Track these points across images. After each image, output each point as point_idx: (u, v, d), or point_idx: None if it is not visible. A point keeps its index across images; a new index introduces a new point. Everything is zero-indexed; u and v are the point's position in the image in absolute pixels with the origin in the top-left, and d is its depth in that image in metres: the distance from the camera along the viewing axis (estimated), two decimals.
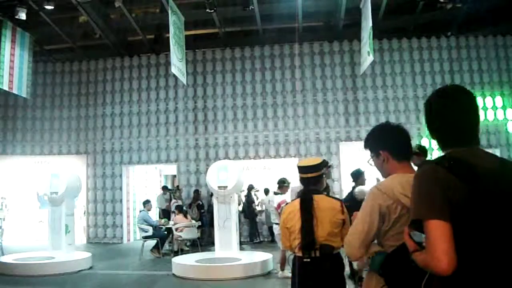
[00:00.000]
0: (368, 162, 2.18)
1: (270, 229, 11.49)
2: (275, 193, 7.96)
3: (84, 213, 12.35)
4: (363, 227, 1.93)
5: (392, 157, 2.05)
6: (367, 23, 8.38)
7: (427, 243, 1.34)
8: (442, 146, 1.55)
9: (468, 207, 1.32)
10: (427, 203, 1.37)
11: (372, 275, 1.99)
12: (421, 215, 1.38)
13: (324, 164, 3.24)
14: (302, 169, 3.17)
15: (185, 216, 9.88)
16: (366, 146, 2.18)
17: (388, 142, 2.08)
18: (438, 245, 1.30)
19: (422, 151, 4.33)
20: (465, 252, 1.31)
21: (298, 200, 3.13)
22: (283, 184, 7.61)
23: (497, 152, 11.49)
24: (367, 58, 8.62)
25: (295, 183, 7.76)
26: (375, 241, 2.01)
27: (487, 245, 1.31)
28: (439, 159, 1.46)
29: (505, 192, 1.34)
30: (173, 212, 10.52)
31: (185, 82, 9.99)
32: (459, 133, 1.50)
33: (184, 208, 10.46)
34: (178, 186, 12.24)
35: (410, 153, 2.14)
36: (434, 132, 1.60)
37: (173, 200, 11.41)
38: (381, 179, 2.13)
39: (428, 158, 4.39)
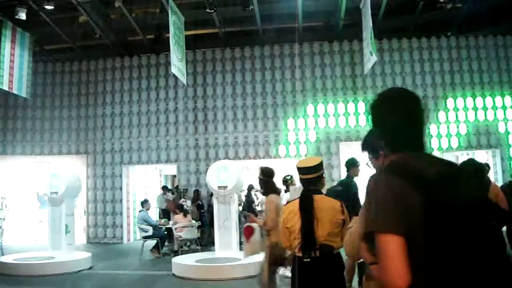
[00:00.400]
0: (367, 164, 2.17)
1: None
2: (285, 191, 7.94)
3: (84, 212, 12.35)
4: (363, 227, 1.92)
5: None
6: (368, 23, 8.38)
7: (381, 258, 1.29)
8: (389, 151, 1.48)
9: (423, 216, 1.27)
10: (381, 215, 1.32)
11: (372, 277, 1.99)
12: (375, 227, 1.32)
13: (323, 164, 3.24)
14: (301, 170, 3.17)
15: (185, 216, 9.87)
16: (364, 148, 2.18)
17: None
18: (392, 262, 1.26)
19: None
20: (421, 263, 1.27)
21: (298, 200, 3.13)
22: (286, 183, 7.61)
23: (497, 152, 11.50)
24: (370, 58, 8.61)
25: (296, 183, 7.77)
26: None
27: (442, 256, 1.27)
28: (390, 167, 1.39)
29: (454, 198, 1.31)
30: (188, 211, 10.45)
31: (185, 82, 9.99)
32: (406, 137, 1.45)
33: (185, 207, 10.43)
34: (177, 186, 12.24)
35: None
36: (380, 137, 1.51)
37: (182, 199, 11.35)
38: None
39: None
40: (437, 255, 1.26)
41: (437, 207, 1.28)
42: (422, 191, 1.28)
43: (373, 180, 1.39)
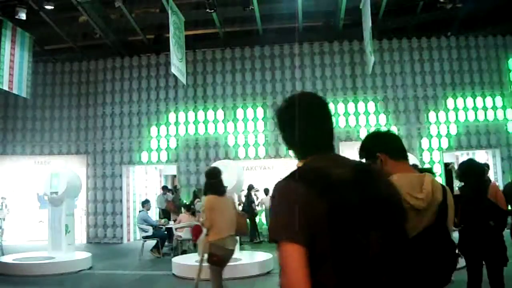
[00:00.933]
0: None
1: None
2: None
3: (84, 213, 12.34)
4: None
5: (390, 157, 2.05)
6: (367, 24, 8.39)
7: (283, 267, 1.24)
8: (298, 155, 1.46)
9: (326, 221, 1.24)
10: (284, 223, 1.27)
11: None
12: (277, 236, 1.27)
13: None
14: None
15: (193, 215, 9.74)
16: (361, 155, 2.18)
17: (383, 144, 2.10)
18: (293, 272, 1.22)
19: None
20: (325, 271, 1.24)
21: None
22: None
23: (497, 152, 11.50)
24: (370, 58, 8.63)
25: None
26: None
27: (342, 262, 1.24)
28: (296, 173, 1.34)
29: (360, 202, 1.27)
30: (199, 212, 10.26)
31: (185, 82, 9.99)
32: (313, 141, 1.43)
33: (192, 206, 10.35)
34: (176, 186, 12.23)
35: (406, 154, 2.15)
36: (288, 142, 1.49)
37: (197, 199, 11.24)
38: None
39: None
40: (338, 261, 1.24)
41: (339, 211, 1.25)
42: (326, 197, 1.25)
43: (277, 186, 1.34)
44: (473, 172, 4.20)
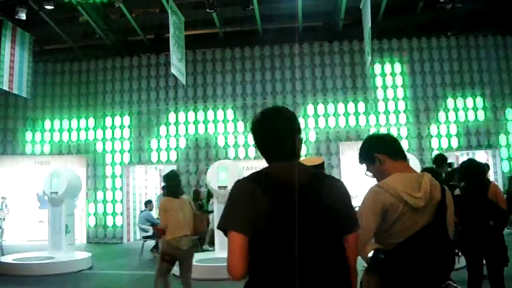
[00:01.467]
0: (365, 173, 2.19)
1: None
2: None
3: (84, 213, 12.34)
4: (366, 225, 1.91)
5: (389, 157, 2.05)
6: (367, 24, 8.39)
7: (228, 249, 1.50)
8: (266, 161, 1.67)
9: (267, 216, 1.45)
10: (231, 215, 1.53)
11: (371, 274, 1.99)
12: (225, 225, 1.52)
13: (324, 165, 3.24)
14: None
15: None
16: (360, 159, 2.20)
17: (381, 145, 2.12)
18: (234, 255, 1.48)
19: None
20: (260, 258, 1.47)
21: None
22: None
23: (497, 152, 11.50)
24: (368, 58, 8.64)
25: None
26: (373, 239, 2.00)
27: (276, 252, 1.45)
28: (251, 174, 1.61)
29: (300, 205, 1.45)
30: (211, 211, 10.23)
31: (184, 82, 9.98)
32: (274, 151, 1.65)
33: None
34: None
35: (404, 154, 2.15)
36: (259, 150, 1.70)
37: (211, 200, 11.19)
38: None
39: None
40: (270, 252, 1.46)
41: (278, 210, 1.47)
42: (269, 196, 1.48)
43: (234, 184, 1.59)
44: (473, 172, 4.21)
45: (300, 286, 1.41)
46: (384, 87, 11.88)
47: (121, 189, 12.27)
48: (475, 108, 11.60)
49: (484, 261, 4.09)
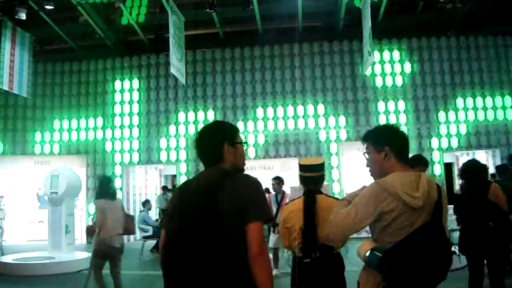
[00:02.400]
0: (363, 153, 2.15)
1: (270, 229, 11.47)
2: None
3: (84, 213, 12.34)
4: (356, 215, 1.92)
5: (395, 155, 2.03)
6: (367, 23, 8.39)
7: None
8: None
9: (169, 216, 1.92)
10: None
11: (368, 272, 1.99)
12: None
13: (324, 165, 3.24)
14: (305, 168, 3.14)
15: None
16: (367, 139, 2.14)
17: (394, 140, 2.06)
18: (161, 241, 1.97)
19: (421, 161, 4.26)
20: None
21: (299, 199, 3.12)
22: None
23: (497, 152, 11.50)
24: (368, 58, 8.62)
25: (295, 183, 7.72)
26: (371, 238, 2.00)
27: (165, 243, 1.89)
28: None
29: (181, 204, 1.88)
30: None
31: (184, 82, 9.99)
32: (200, 159, 2.05)
33: None
34: (174, 186, 12.23)
35: (408, 159, 2.13)
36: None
37: None
38: None
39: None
40: (164, 244, 1.90)
41: (172, 209, 1.92)
42: (173, 198, 2.03)
43: None
44: (474, 173, 4.20)
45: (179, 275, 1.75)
46: (384, 86, 11.88)
47: (121, 189, 12.26)
48: (475, 108, 11.60)
49: (485, 261, 4.09)
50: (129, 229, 5.76)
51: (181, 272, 1.74)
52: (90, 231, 5.81)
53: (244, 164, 2.09)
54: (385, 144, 2.03)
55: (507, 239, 4.06)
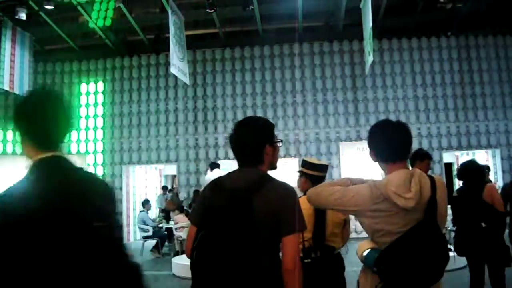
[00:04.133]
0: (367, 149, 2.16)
1: None
2: None
3: None
4: (347, 197, 1.95)
5: (381, 159, 2.01)
6: (367, 23, 8.39)
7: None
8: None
9: (203, 215, 1.91)
10: (192, 212, 2.19)
11: (367, 272, 1.99)
12: (189, 219, 2.09)
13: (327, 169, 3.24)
14: (313, 166, 3.14)
15: (187, 215, 9.86)
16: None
17: (376, 143, 2.04)
18: (188, 241, 1.91)
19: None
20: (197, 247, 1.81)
21: (298, 200, 3.11)
22: None
23: (497, 152, 11.51)
24: (368, 58, 8.63)
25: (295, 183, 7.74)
26: (369, 238, 2.00)
27: (202, 244, 1.80)
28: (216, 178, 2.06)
29: (237, 206, 1.76)
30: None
31: (187, 82, 9.98)
32: (237, 159, 2.02)
33: (185, 208, 10.46)
34: (173, 186, 12.24)
35: (406, 153, 2.03)
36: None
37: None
38: None
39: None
40: (200, 243, 1.77)
41: (204, 207, 1.92)
42: (209, 198, 1.96)
43: None
44: (470, 173, 4.19)
45: (213, 278, 1.69)
46: (384, 87, 11.88)
47: (121, 189, 12.27)
48: (475, 108, 11.60)
49: (486, 262, 4.08)
50: None
51: (215, 277, 1.69)
52: None
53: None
54: (371, 148, 2.05)
55: (503, 240, 4.03)
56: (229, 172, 1.99)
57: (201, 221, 1.83)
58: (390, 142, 1.99)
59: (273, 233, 1.74)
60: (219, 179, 1.96)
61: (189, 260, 1.83)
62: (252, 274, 1.67)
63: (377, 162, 2.06)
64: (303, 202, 3.04)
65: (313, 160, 3.29)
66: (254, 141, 1.94)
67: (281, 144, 2.10)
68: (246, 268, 1.67)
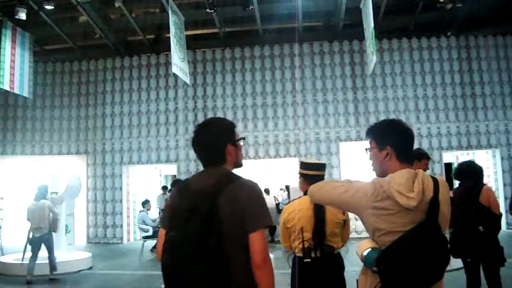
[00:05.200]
0: (366, 149, 2.12)
1: (270, 229, 11.49)
2: None
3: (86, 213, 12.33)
4: (350, 192, 1.96)
5: (396, 156, 1.99)
6: (369, 23, 8.38)
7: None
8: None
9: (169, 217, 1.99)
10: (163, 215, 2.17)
11: (367, 272, 1.98)
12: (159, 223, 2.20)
13: (325, 168, 3.24)
14: (309, 166, 3.14)
15: None
16: (371, 134, 2.10)
17: (397, 140, 2.00)
18: (158, 242, 1.98)
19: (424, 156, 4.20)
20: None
21: (298, 200, 3.12)
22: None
23: (497, 152, 11.51)
24: (372, 58, 8.61)
25: (296, 183, 7.75)
26: (369, 237, 2.00)
27: (166, 244, 1.85)
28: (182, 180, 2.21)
29: (199, 205, 1.80)
30: None
31: (188, 82, 9.97)
32: (200, 160, 2.05)
33: None
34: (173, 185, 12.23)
35: (411, 159, 2.09)
36: None
37: None
38: None
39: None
40: (165, 243, 1.83)
41: (172, 210, 1.95)
42: (176, 199, 2.00)
43: None
44: (468, 175, 4.17)
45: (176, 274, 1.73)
46: (384, 87, 11.88)
47: (121, 189, 12.27)
48: (475, 108, 11.60)
49: (480, 264, 4.07)
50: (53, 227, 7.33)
51: (184, 278, 1.72)
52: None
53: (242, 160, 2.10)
54: (387, 143, 1.99)
55: (497, 240, 4.01)
56: (195, 174, 2.05)
57: (170, 224, 1.87)
58: (411, 141, 2.05)
59: (241, 231, 1.77)
60: (185, 182, 2.01)
61: None
62: (222, 273, 1.70)
63: (384, 160, 2.00)
64: (303, 202, 3.06)
65: (310, 160, 3.30)
66: (215, 141, 1.97)
67: (243, 143, 2.11)
68: (215, 267, 1.69)
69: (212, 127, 2.03)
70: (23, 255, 7.12)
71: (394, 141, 1.99)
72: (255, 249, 1.77)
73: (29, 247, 7.10)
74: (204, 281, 1.69)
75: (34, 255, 7.07)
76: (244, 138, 2.16)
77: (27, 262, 7.05)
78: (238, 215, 1.77)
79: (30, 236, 7.04)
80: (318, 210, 2.95)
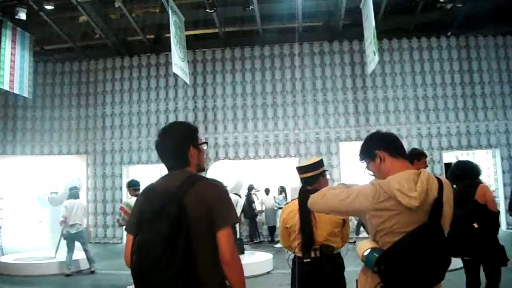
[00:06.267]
0: (365, 171, 2.15)
1: (270, 229, 11.50)
2: None
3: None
4: (348, 197, 1.97)
5: (389, 155, 2.02)
6: (370, 23, 8.38)
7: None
8: None
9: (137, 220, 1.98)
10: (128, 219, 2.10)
11: (367, 272, 1.98)
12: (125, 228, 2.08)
13: (322, 163, 3.25)
14: (299, 170, 3.20)
15: None
16: (361, 156, 2.16)
17: (381, 142, 2.08)
18: (126, 248, 1.94)
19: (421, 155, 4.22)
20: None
21: (297, 200, 3.12)
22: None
23: (497, 152, 11.51)
24: (373, 58, 8.61)
25: (295, 183, 7.77)
26: (370, 237, 2.00)
27: (134, 247, 1.87)
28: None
29: (163, 207, 1.84)
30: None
31: (188, 82, 9.98)
32: (164, 163, 2.19)
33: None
34: None
35: (405, 152, 2.11)
36: None
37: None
38: None
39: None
40: (133, 247, 1.85)
41: (139, 214, 1.95)
42: (141, 202, 2.02)
43: None
44: (464, 174, 4.17)
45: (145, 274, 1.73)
46: (384, 87, 11.88)
47: (121, 189, 12.27)
48: (475, 108, 11.60)
49: (481, 263, 4.06)
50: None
51: (153, 280, 1.72)
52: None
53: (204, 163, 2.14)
54: (375, 150, 2.05)
55: (497, 239, 4.00)
56: (159, 177, 2.08)
57: (136, 228, 1.87)
58: (395, 139, 2.11)
59: (209, 230, 1.80)
60: (150, 185, 2.05)
61: None
62: (192, 273, 1.72)
63: (380, 164, 2.04)
64: (292, 204, 3.12)
65: (303, 163, 3.32)
66: (179, 144, 2.07)
67: (206, 146, 2.16)
68: (185, 268, 1.71)
69: (176, 130, 2.15)
70: (56, 251, 7.74)
71: (379, 145, 2.07)
72: (223, 247, 1.79)
73: (63, 243, 7.60)
74: (174, 282, 1.70)
75: (71, 250, 7.51)
76: (206, 143, 2.20)
77: (53, 259, 7.68)
78: (206, 214, 1.80)
79: (65, 232, 7.52)
80: (303, 213, 2.96)
